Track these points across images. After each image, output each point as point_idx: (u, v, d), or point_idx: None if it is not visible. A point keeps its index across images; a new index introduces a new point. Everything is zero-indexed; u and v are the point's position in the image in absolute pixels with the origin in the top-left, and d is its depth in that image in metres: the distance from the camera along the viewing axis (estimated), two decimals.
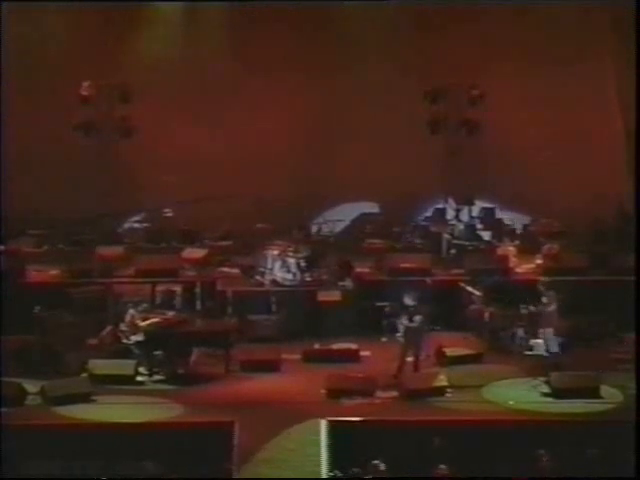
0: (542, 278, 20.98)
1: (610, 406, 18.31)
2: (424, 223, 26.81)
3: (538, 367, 19.50)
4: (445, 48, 26.55)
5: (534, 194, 26.37)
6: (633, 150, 25.47)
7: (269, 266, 23.08)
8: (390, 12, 26.98)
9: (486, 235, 25.72)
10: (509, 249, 24.17)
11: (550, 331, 20.31)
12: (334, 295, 22.47)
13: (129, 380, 19.54)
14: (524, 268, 23.16)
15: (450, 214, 26.62)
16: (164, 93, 26.94)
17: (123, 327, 20.51)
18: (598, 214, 25.92)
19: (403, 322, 19.85)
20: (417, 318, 19.79)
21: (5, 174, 26.03)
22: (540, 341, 19.91)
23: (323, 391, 18.85)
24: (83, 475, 16.94)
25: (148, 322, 20.41)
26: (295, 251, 23.43)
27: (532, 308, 20.69)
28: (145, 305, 21.39)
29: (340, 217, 27.28)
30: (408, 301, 20.01)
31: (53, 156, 26.52)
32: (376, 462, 16.39)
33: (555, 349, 20.34)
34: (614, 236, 25.02)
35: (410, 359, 19.77)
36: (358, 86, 27.11)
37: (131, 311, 20.66)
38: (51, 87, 26.46)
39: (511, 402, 18.49)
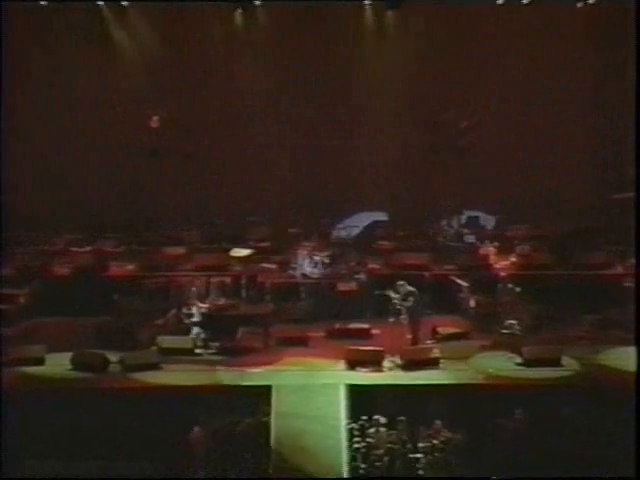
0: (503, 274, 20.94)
1: (569, 373, 18.31)
2: (424, 228, 26.55)
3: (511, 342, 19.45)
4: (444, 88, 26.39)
5: (510, 205, 26.17)
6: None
7: (299, 263, 23.09)
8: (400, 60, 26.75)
9: (471, 238, 25.50)
10: (489, 249, 24.03)
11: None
12: (351, 286, 22.40)
13: (189, 352, 19.55)
14: (501, 265, 23.07)
15: (444, 221, 26.43)
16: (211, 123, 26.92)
17: (184, 310, 20.55)
18: (563, 221, 25.69)
19: (404, 304, 19.91)
20: (411, 299, 19.78)
21: (93, 190, 26.36)
22: (514, 321, 19.84)
23: (342, 362, 18.91)
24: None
25: (204, 306, 20.51)
26: (320, 251, 23.47)
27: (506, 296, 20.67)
28: (201, 293, 21.48)
29: (356, 223, 27.17)
30: (404, 289, 20.04)
31: (126, 175, 26.59)
32: (377, 417, 16.68)
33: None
34: (576, 238, 24.70)
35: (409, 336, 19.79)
36: (372, 119, 26.98)
37: (191, 298, 20.80)
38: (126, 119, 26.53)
39: (491, 370, 18.46)
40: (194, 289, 21.49)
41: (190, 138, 26.61)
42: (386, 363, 18.78)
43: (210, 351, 19.86)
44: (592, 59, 26.11)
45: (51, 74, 26.22)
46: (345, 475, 16.28)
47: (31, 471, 16.70)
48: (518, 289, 20.62)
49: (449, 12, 25.81)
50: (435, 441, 16.73)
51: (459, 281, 22.08)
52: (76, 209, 26.21)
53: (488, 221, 26.88)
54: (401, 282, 20.24)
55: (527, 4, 25.81)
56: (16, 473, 16.56)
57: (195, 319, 20.23)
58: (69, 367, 18.66)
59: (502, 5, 25.93)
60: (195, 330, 20.12)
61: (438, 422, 16.83)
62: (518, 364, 18.68)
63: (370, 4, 26.45)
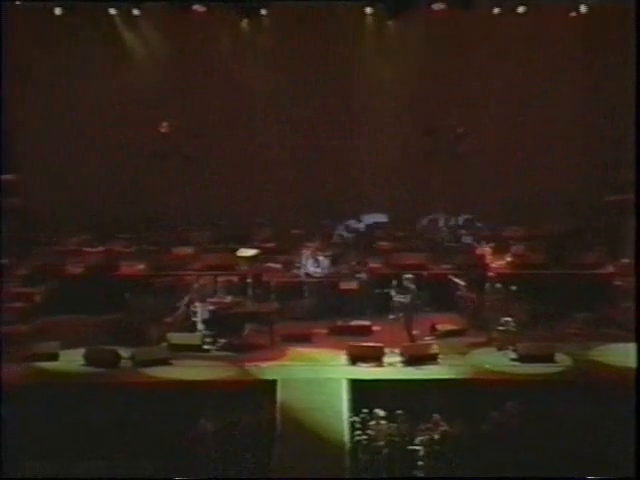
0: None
1: (561, 369, 18.50)
2: (422, 229, 26.70)
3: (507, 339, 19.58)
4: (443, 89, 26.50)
5: (509, 206, 26.28)
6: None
7: (303, 262, 23.19)
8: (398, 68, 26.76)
9: (468, 239, 25.60)
10: (486, 249, 23.98)
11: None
12: (352, 285, 22.53)
13: (197, 348, 19.74)
14: (497, 264, 23.11)
15: (441, 222, 26.59)
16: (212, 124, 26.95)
17: (192, 308, 20.77)
18: (560, 221, 25.77)
19: (400, 299, 20.20)
20: (408, 295, 20.06)
21: (103, 192, 26.50)
22: (509, 319, 19.89)
23: (344, 357, 19.13)
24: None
25: (211, 304, 20.70)
26: (323, 251, 23.61)
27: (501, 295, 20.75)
28: (209, 292, 21.74)
29: (356, 225, 27.16)
30: (408, 283, 20.35)
31: (127, 176, 26.58)
32: (377, 410, 16.83)
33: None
34: (571, 239, 24.82)
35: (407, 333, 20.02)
36: (372, 120, 27.01)
37: (199, 296, 21.00)
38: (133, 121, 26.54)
39: (487, 365, 18.68)
40: (202, 288, 21.73)
41: (193, 140, 26.62)
42: (386, 358, 18.89)
43: (217, 347, 20.02)
44: (590, 61, 26.13)
45: (54, 75, 26.20)
46: (346, 467, 16.45)
47: (32, 471, 16.56)
48: (513, 288, 20.66)
49: (448, 16, 25.91)
50: (433, 434, 16.87)
51: (457, 280, 22.16)
52: (86, 210, 26.32)
53: (485, 222, 26.71)
54: (409, 276, 20.49)
55: (523, 13, 25.96)
56: (16, 473, 16.44)
57: (203, 317, 20.41)
58: (82, 362, 18.87)
59: (499, 14, 26.14)
60: (203, 327, 20.32)
61: (436, 415, 17.01)
62: (513, 360, 18.81)
63: (370, 12, 26.47)
